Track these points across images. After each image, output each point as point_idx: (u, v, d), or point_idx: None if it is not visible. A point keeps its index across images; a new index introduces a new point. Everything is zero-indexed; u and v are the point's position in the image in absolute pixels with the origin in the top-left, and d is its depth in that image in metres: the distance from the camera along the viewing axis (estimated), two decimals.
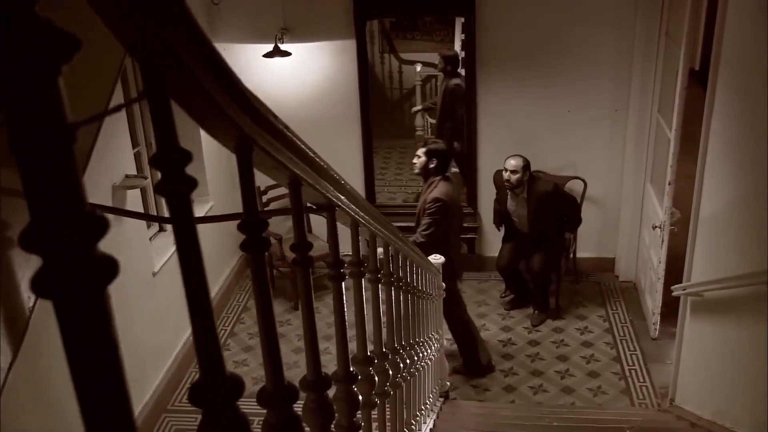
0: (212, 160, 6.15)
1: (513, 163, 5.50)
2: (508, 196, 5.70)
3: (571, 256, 6.29)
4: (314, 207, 1.37)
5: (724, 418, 3.75)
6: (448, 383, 4.98)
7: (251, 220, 0.94)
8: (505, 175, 5.53)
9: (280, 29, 6.00)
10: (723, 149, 3.81)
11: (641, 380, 5.24)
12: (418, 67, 9.48)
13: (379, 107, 10.25)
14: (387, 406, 2.33)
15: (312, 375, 1.27)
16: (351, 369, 1.54)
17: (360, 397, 1.58)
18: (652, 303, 5.51)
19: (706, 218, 4.06)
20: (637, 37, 5.75)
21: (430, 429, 3.72)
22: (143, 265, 5.00)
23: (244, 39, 6.13)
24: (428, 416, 3.93)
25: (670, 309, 4.94)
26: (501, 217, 5.93)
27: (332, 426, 1.34)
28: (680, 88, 4.81)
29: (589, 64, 5.98)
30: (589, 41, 5.92)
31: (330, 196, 1.32)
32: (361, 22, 6.00)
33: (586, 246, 6.49)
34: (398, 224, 6.46)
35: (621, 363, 5.44)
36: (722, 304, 3.81)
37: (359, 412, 1.85)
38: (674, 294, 4.39)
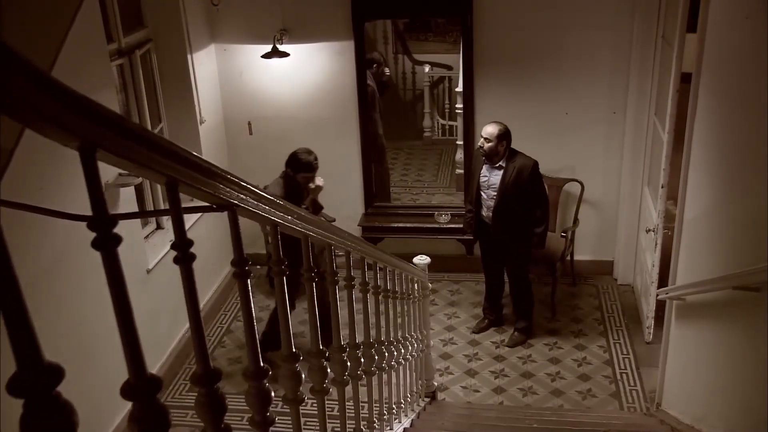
0: (210, 159, 6.21)
1: (489, 130, 5.25)
2: (483, 167, 5.42)
3: (568, 258, 6.27)
4: (213, 207, 1.40)
5: (701, 423, 3.74)
6: (436, 383, 5.00)
7: (99, 218, 0.98)
8: (479, 141, 5.35)
9: (280, 30, 6.06)
10: (703, 153, 3.79)
11: (632, 384, 5.21)
12: (426, 68, 9.49)
13: (391, 108, 10.31)
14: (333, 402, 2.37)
15: (201, 369, 1.32)
16: (262, 365, 1.57)
17: (272, 394, 1.62)
18: (647, 306, 5.49)
19: (689, 221, 4.04)
20: (634, 39, 5.73)
21: (405, 428, 3.74)
22: (137, 262, 5.08)
23: (244, 40, 6.21)
24: (405, 415, 3.96)
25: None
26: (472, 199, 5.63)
27: (223, 419, 1.37)
28: (672, 90, 4.80)
29: (586, 67, 5.97)
30: (586, 43, 5.90)
31: (223, 196, 1.35)
32: (359, 23, 6.04)
33: (584, 248, 6.47)
34: (401, 225, 6.55)
35: (613, 366, 5.41)
36: (701, 308, 3.80)
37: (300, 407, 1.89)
38: (658, 298, 4.38)
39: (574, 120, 6.11)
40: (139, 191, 5.37)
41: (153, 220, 5.66)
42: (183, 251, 1.22)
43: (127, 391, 1.07)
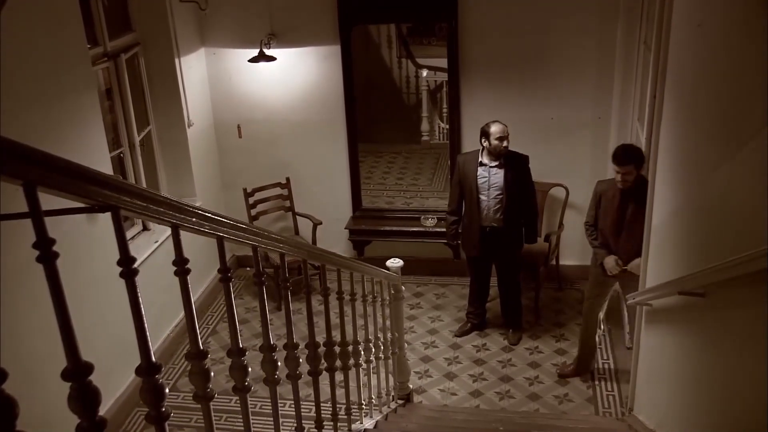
0: (199, 162, 6.31)
1: (504, 127, 5.26)
2: (479, 169, 5.39)
3: (553, 262, 6.28)
4: (95, 207, 1.45)
5: (662, 428, 3.75)
6: (411, 386, 5.02)
7: None
8: (499, 142, 5.25)
9: (268, 35, 6.14)
10: (667, 158, 3.80)
11: (609, 389, 5.22)
12: (424, 73, 9.53)
13: (394, 112, 10.38)
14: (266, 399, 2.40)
15: (71, 364, 1.36)
16: (153, 361, 1.62)
17: (166, 390, 1.67)
18: (628, 312, 5.48)
19: (656, 226, 4.04)
20: (618, 45, 5.74)
21: (366, 429, 3.78)
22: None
23: (233, 44, 6.29)
24: (370, 417, 4.00)
25: None
26: (460, 206, 5.65)
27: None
28: (650, 96, 4.80)
29: (572, 72, 5.98)
30: (572, 49, 5.91)
31: (100, 198, 1.40)
32: (345, 28, 6.10)
33: (570, 253, 6.47)
34: (387, 228, 6.58)
35: (591, 371, 5.41)
36: (663, 313, 3.81)
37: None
38: (628, 303, 4.38)
39: (560, 125, 6.13)
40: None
41: (138, 221, 5.73)
42: (45, 250, 1.27)
43: None
